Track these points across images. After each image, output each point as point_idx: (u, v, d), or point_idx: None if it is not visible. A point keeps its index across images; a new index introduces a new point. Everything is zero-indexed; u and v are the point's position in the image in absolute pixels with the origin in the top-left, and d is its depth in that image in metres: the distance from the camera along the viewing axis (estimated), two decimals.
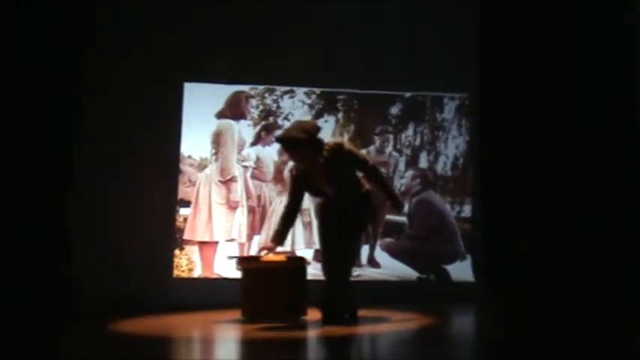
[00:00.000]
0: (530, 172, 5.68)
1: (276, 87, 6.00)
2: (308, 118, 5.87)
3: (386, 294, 5.60)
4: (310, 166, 4.07)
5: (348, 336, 3.70)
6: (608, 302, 4.95)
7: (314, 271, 5.59)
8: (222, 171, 5.82)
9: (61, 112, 5.43)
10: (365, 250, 5.89)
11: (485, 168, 5.90)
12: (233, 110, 5.91)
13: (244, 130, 5.91)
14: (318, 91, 6.03)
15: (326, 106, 6.04)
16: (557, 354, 2.99)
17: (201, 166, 5.83)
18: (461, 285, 5.85)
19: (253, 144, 5.90)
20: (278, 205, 5.66)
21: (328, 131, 5.98)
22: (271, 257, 4.25)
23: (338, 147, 4.07)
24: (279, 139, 4.16)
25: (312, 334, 3.86)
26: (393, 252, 5.94)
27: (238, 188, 5.81)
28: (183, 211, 5.71)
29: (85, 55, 5.61)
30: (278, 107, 5.98)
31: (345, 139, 4.52)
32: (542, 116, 5.72)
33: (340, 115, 6.05)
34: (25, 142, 5.23)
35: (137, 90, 5.67)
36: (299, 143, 3.99)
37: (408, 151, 6.11)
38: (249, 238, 5.77)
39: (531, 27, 5.78)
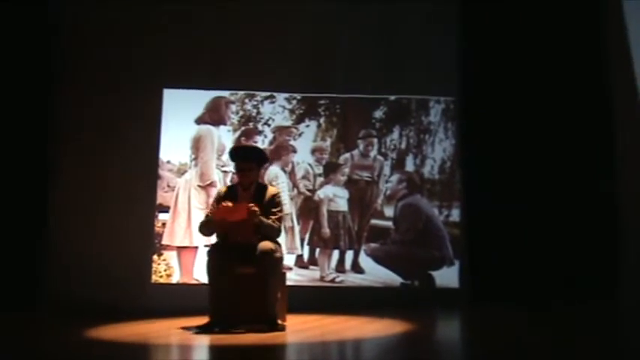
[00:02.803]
0: (516, 178, 5.61)
1: (257, 92, 5.97)
2: (289, 123, 5.84)
3: (369, 300, 5.55)
4: (249, 186, 4.25)
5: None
6: (594, 306, 4.88)
7: (295, 277, 5.64)
8: (202, 176, 5.80)
9: (40, 117, 5.46)
10: (349, 256, 5.83)
11: (469, 172, 5.83)
12: (213, 116, 5.90)
13: (224, 135, 5.89)
14: (299, 96, 5.99)
15: (307, 111, 6.00)
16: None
17: (181, 171, 5.82)
18: (445, 291, 5.74)
19: None
20: None
21: (310, 136, 5.95)
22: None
23: (276, 190, 4.44)
24: (258, 151, 4.51)
25: (289, 339, 3.83)
26: (379, 257, 5.86)
27: None
28: (162, 216, 5.70)
29: (65, 60, 5.64)
30: (258, 113, 5.95)
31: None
32: (526, 121, 5.66)
33: (322, 119, 6.01)
34: (2, 146, 5.25)
35: (117, 95, 5.70)
36: (265, 162, 4.64)
37: (393, 155, 6.04)
38: None
39: (517, 32, 5.74)
